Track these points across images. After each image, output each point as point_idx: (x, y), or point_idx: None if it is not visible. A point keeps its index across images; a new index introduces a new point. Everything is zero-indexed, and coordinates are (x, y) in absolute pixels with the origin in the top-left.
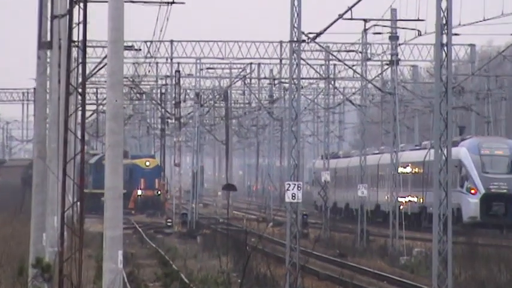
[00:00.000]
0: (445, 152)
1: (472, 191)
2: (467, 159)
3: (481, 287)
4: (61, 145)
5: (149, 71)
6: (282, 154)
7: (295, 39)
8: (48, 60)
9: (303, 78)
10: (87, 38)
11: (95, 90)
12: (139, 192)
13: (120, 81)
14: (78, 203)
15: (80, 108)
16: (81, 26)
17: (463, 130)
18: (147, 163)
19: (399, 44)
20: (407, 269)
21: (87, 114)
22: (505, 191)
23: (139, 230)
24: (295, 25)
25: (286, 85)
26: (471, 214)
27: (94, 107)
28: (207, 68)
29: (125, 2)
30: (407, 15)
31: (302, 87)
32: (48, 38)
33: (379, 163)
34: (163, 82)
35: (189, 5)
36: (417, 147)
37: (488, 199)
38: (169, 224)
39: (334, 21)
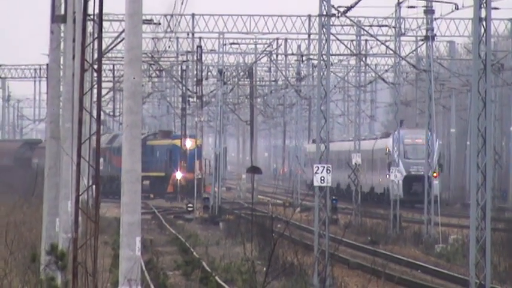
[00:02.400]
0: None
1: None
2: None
3: None
4: (75, 125)
5: (169, 47)
6: (310, 135)
7: (324, 13)
8: (62, 34)
9: (332, 55)
10: (104, 11)
11: (111, 66)
12: (178, 175)
13: (138, 57)
14: (94, 187)
15: (96, 86)
16: None
17: (402, 123)
18: (189, 144)
19: (435, 19)
20: (443, 257)
21: (103, 92)
22: (422, 173)
23: (159, 215)
24: None
25: (315, 62)
26: (395, 193)
27: (110, 85)
28: (231, 44)
29: None
30: None
31: (332, 64)
32: (62, 11)
33: (373, 148)
34: (184, 58)
35: None
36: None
37: (409, 180)
38: (190, 209)
39: None
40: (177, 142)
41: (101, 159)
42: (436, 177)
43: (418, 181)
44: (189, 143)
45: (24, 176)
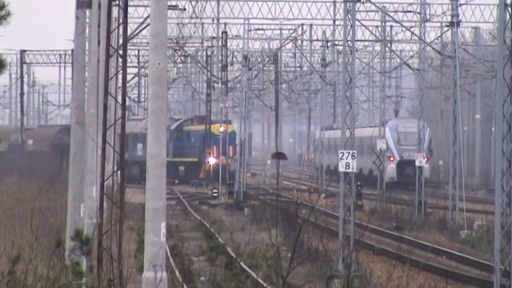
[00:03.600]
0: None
1: (391, 159)
2: (388, 135)
3: None
4: (101, 110)
5: (194, 32)
6: (335, 121)
7: None
8: (87, 20)
9: (357, 41)
10: None
11: (136, 52)
12: (211, 160)
13: (163, 42)
14: (119, 172)
15: (121, 72)
16: None
17: (398, 113)
18: (221, 129)
19: (460, 4)
20: (468, 243)
21: (129, 77)
22: (413, 158)
23: (183, 201)
24: None
25: (340, 48)
26: (390, 176)
27: (135, 70)
28: (256, 29)
29: None
30: None
31: (356, 50)
32: None
33: (361, 136)
34: (209, 44)
35: None
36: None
37: (402, 164)
38: (214, 194)
39: None
40: (212, 127)
41: (141, 145)
42: (427, 161)
43: (410, 165)
44: (223, 129)
45: (61, 162)
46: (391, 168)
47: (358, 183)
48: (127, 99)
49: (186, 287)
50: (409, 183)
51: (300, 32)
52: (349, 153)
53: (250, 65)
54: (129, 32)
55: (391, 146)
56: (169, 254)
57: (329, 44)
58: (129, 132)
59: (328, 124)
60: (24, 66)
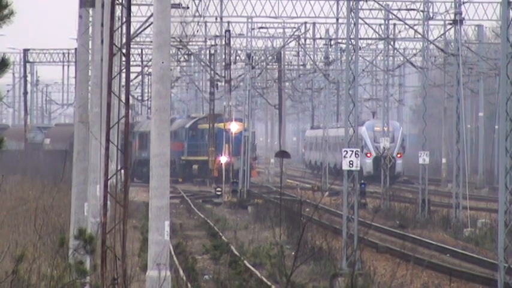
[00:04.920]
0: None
1: (368, 155)
2: (365, 134)
3: None
4: (104, 109)
5: (197, 31)
6: (338, 119)
7: None
8: (90, 19)
9: (360, 39)
10: None
11: (140, 51)
12: (222, 159)
13: (167, 41)
14: (122, 171)
15: (124, 70)
16: None
17: (374, 114)
18: (233, 127)
19: (463, 2)
20: (472, 241)
21: (132, 76)
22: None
23: (187, 199)
24: None
25: (343, 46)
26: (367, 170)
27: (139, 69)
28: (259, 28)
29: None
30: None
31: (360, 48)
32: None
33: (337, 135)
34: (213, 42)
35: None
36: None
37: (377, 160)
38: (218, 193)
39: None
40: (222, 125)
41: None
42: (400, 157)
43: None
44: (234, 127)
45: (65, 161)
46: (368, 164)
47: (362, 181)
48: (130, 98)
49: (190, 285)
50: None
51: (303, 30)
52: (352, 151)
53: (253, 64)
54: (132, 30)
55: (368, 143)
56: (173, 252)
57: (332, 42)
58: (147, 130)
59: (331, 123)
60: (28, 65)
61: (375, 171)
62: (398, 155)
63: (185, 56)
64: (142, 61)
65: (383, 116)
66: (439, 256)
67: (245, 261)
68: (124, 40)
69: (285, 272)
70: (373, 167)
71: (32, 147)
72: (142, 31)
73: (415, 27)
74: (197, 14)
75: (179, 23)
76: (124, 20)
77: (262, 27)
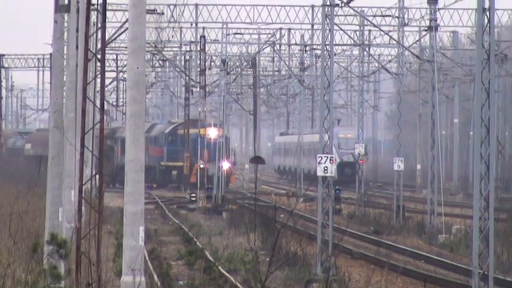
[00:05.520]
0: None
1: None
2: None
3: None
4: (79, 114)
5: (173, 37)
6: (313, 125)
7: (328, 2)
8: (65, 24)
9: (335, 45)
10: (107, 1)
11: (114, 56)
12: (201, 165)
13: (141, 47)
14: (97, 176)
15: (99, 76)
16: None
17: (339, 122)
18: (209, 132)
19: (438, 9)
20: (446, 247)
21: (107, 81)
22: (352, 160)
23: (162, 205)
24: None
25: (318, 52)
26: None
27: (114, 75)
28: (234, 34)
29: None
30: None
31: (335, 54)
32: (66, 1)
33: (311, 141)
34: (188, 48)
35: None
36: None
37: (342, 165)
38: (193, 198)
39: None
40: (201, 131)
41: None
42: (362, 163)
43: (348, 166)
44: (213, 133)
45: (107, 166)
46: (320, 168)
47: (337, 187)
48: (105, 103)
49: None
50: (348, 181)
51: (278, 36)
52: (327, 157)
53: (228, 69)
54: (107, 36)
55: (333, 150)
56: (147, 258)
57: (307, 48)
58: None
59: (306, 129)
60: (3, 70)
61: (340, 176)
62: (361, 161)
63: (160, 62)
64: (117, 66)
65: (357, 122)
66: (414, 262)
67: (219, 267)
68: (99, 45)
69: (260, 277)
70: (337, 172)
71: (12, 152)
72: (117, 37)
73: (390, 34)
74: (172, 20)
75: (154, 28)
76: (99, 25)
77: (237, 33)
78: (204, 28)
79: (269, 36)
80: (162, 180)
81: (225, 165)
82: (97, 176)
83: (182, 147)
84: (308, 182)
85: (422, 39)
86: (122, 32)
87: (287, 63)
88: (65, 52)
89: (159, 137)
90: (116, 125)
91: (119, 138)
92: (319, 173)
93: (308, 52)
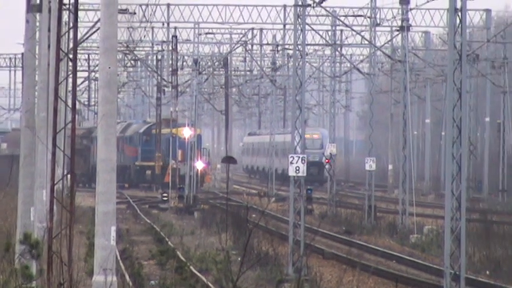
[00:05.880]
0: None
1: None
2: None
3: (496, 267)
4: (51, 114)
5: (144, 36)
6: (285, 125)
7: (300, 2)
8: (37, 24)
9: (307, 45)
10: (79, 1)
11: (86, 56)
12: (174, 165)
13: (113, 46)
14: (69, 176)
15: (71, 75)
16: None
17: (306, 122)
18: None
19: (410, 9)
20: (418, 247)
21: (79, 81)
22: (317, 159)
23: (134, 204)
24: None
25: (290, 52)
26: (289, 174)
27: (86, 74)
28: (206, 33)
29: None
30: None
31: (307, 54)
32: (38, 1)
33: (284, 140)
34: (160, 48)
35: None
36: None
37: (308, 165)
38: (164, 198)
39: None
40: (178, 131)
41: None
42: (327, 162)
43: (314, 166)
44: (187, 132)
45: (83, 166)
46: (292, 168)
47: (308, 187)
48: (77, 103)
49: None
50: (313, 180)
51: (250, 36)
52: (299, 157)
53: (200, 69)
54: (79, 36)
55: (298, 150)
56: (119, 257)
57: (279, 48)
58: None
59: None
60: None
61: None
62: (327, 161)
63: (132, 62)
64: (89, 66)
65: (329, 122)
66: (386, 262)
67: (191, 267)
68: (71, 45)
69: (231, 277)
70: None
71: None
72: (89, 36)
73: (362, 34)
74: (144, 20)
75: (126, 28)
76: (71, 25)
77: (209, 33)
78: (175, 28)
79: (241, 36)
80: (137, 180)
81: (199, 165)
82: (69, 176)
83: (156, 147)
84: (278, 181)
85: (394, 40)
86: (94, 32)
87: (259, 63)
88: (37, 52)
89: (134, 137)
90: (88, 124)
91: (95, 137)
92: (291, 172)
93: (280, 52)
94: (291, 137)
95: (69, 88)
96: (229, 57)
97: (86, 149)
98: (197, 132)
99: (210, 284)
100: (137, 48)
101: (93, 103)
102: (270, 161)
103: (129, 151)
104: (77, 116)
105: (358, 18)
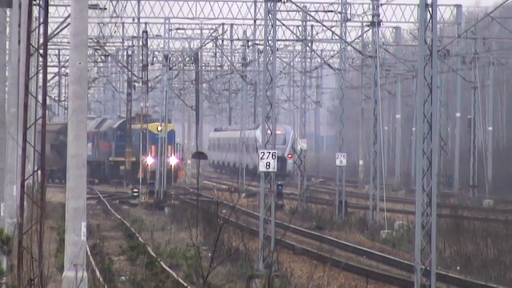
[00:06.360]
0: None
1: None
2: (259, 137)
3: (466, 262)
4: (21, 110)
5: (115, 32)
6: (255, 120)
7: None
8: (7, 19)
9: (278, 40)
10: None
11: (57, 51)
12: (149, 160)
13: (84, 42)
14: (39, 172)
15: (41, 71)
16: None
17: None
18: (160, 128)
19: (381, 4)
20: (389, 243)
21: (49, 77)
22: (280, 154)
23: (104, 200)
24: None
25: (261, 47)
26: (262, 169)
27: (56, 70)
28: (176, 29)
29: None
30: None
31: (277, 50)
32: None
33: (255, 135)
34: (130, 43)
35: None
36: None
37: None
38: (135, 194)
39: None
40: (150, 126)
41: (89, 144)
42: (290, 157)
43: (278, 161)
44: (165, 128)
45: (60, 162)
46: (262, 163)
47: (279, 182)
48: (47, 98)
49: (106, 286)
50: (276, 175)
51: (220, 31)
52: (269, 152)
53: (170, 65)
54: (49, 31)
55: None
56: (89, 253)
57: (250, 43)
58: None
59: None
60: None
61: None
62: (289, 156)
63: (102, 57)
64: (59, 62)
65: (300, 118)
66: (356, 258)
67: (162, 263)
68: (41, 41)
69: (202, 273)
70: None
71: None
72: (59, 32)
73: (333, 29)
74: (114, 15)
75: (96, 23)
76: (41, 20)
77: (179, 28)
78: (146, 23)
79: (211, 31)
80: (111, 175)
81: (173, 160)
82: (39, 171)
83: (130, 142)
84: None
85: (364, 35)
86: (64, 27)
87: (229, 58)
88: (7, 47)
89: (108, 132)
90: (58, 120)
91: None
92: (262, 168)
93: (250, 47)
94: (254, 133)
95: (40, 84)
96: (199, 53)
97: (62, 144)
98: (170, 128)
99: (180, 280)
100: (108, 44)
101: (63, 98)
102: (238, 156)
103: (103, 146)
104: (47, 112)
105: (328, 13)
